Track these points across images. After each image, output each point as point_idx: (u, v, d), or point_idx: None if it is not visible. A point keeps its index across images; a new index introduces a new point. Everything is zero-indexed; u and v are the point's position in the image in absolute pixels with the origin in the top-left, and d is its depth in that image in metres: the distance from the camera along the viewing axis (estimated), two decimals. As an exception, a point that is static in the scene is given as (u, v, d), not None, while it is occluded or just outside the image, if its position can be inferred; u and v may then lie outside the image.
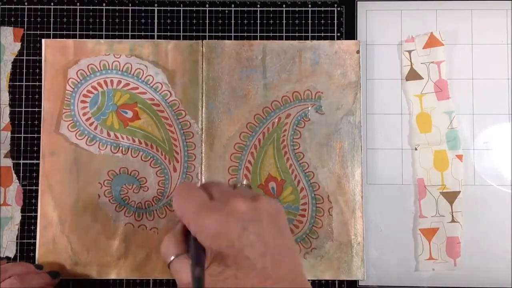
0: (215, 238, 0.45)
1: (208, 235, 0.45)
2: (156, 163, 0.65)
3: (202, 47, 0.66)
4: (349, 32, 0.68)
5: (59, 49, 0.66)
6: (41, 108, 0.65)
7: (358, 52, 0.66)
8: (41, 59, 0.66)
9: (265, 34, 0.67)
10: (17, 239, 0.65)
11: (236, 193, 0.49)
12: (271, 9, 0.68)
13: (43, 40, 0.66)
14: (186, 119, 0.65)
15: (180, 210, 0.47)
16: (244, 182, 0.55)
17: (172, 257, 0.47)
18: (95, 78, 0.66)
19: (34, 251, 0.64)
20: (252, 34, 0.67)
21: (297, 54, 0.66)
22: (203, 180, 0.65)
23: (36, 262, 0.64)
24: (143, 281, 0.65)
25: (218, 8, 0.68)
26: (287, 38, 0.67)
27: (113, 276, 0.64)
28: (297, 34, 0.67)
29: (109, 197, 0.65)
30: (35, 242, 0.64)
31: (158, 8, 0.68)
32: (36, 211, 0.64)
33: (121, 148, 0.65)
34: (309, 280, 0.64)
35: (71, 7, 0.67)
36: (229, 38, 0.67)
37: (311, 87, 0.66)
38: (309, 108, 0.66)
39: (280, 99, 0.66)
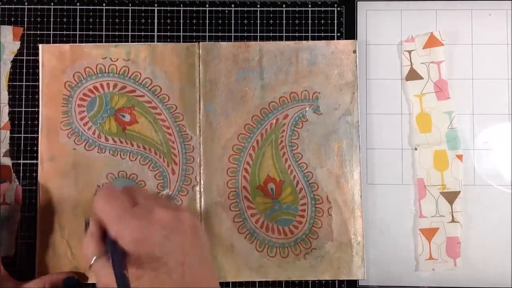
0: (136, 244, 0.45)
1: (129, 241, 0.45)
2: (155, 166, 0.65)
3: (199, 49, 0.66)
4: (349, 32, 0.67)
5: (55, 54, 0.66)
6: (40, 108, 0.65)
7: (354, 51, 0.66)
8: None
9: (265, 34, 0.67)
10: (17, 238, 0.65)
11: (160, 203, 0.49)
12: (271, 9, 0.68)
13: (39, 46, 0.66)
14: (184, 122, 0.65)
15: (102, 213, 0.48)
16: (164, 193, 0.57)
17: (93, 259, 0.47)
18: (91, 81, 0.66)
19: (34, 250, 0.64)
20: (252, 34, 0.67)
21: (294, 55, 0.66)
22: (202, 182, 0.65)
23: (36, 266, 0.64)
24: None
25: (218, 8, 0.68)
26: (287, 38, 0.67)
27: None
28: (297, 34, 0.67)
29: None
30: (35, 242, 0.64)
31: (158, 8, 0.68)
32: (35, 211, 0.64)
33: (119, 152, 0.65)
34: (309, 280, 0.65)
35: (71, 7, 0.67)
36: (230, 38, 0.67)
37: (308, 88, 0.66)
38: (307, 108, 0.66)
39: (278, 100, 0.66)
